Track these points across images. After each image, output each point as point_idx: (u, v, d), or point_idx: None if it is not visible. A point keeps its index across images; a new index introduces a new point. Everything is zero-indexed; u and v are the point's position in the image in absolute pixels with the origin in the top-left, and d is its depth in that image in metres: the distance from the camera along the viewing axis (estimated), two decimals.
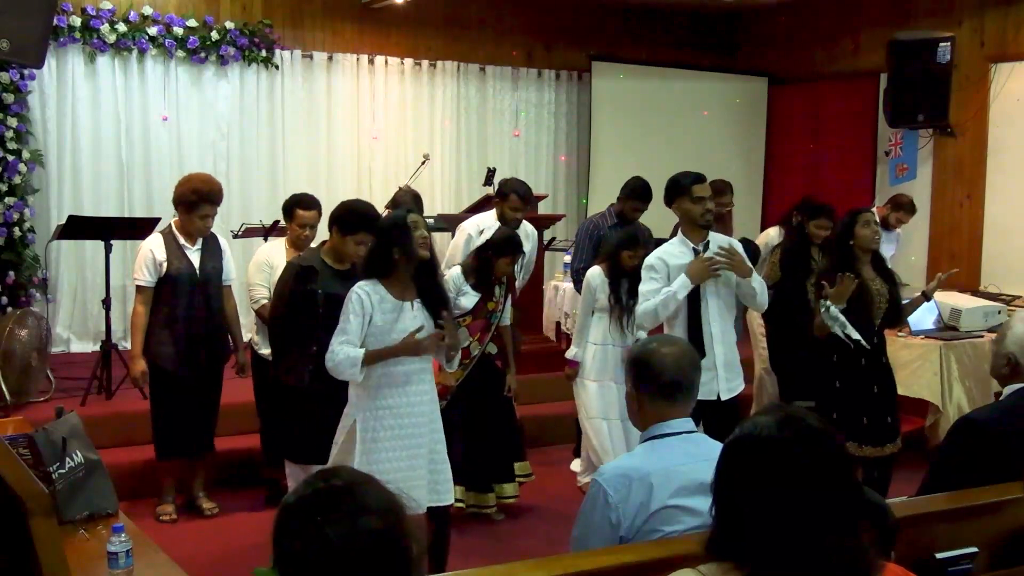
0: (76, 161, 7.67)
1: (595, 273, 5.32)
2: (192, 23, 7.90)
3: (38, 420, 3.80)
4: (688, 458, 2.45)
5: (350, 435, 3.71)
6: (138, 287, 4.96)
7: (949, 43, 7.72)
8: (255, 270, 5.16)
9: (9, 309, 6.71)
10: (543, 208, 8.06)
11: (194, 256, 4.97)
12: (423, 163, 7.79)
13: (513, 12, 9.36)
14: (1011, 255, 7.82)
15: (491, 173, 7.12)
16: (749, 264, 4.65)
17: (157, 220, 5.86)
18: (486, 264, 4.97)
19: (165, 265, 4.90)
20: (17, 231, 6.99)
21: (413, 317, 3.71)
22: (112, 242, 6.10)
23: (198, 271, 4.97)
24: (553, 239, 8.17)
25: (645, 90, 9.71)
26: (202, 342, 5.00)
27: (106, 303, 6.14)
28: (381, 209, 5.49)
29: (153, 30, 7.76)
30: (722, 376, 4.48)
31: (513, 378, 5.24)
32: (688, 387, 2.56)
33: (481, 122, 9.36)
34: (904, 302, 4.90)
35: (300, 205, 5.08)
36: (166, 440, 5.04)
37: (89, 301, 7.65)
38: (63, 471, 2.99)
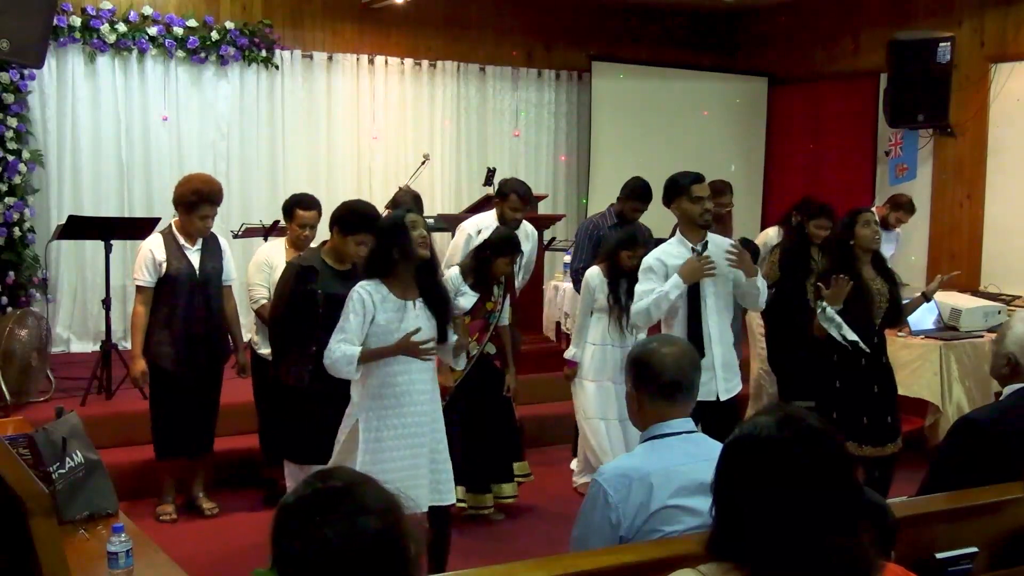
0: (76, 161, 7.67)
1: (594, 273, 5.32)
2: (192, 23, 7.90)
3: (38, 420, 3.80)
4: (688, 458, 2.45)
5: (352, 434, 3.72)
6: (138, 287, 4.96)
7: (949, 43, 7.71)
8: (255, 270, 5.16)
9: (9, 309, 6.71)
10: (543, 208, 8.06)
11: (194, 256, 4.97)
12: (423, 163, 7.79)
13: (513, 12, 9.36)
14: (1011, 255, 7.81)
15: (491, 173, 7.12)
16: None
17: (157, 220, 5.86)
18: (484, 264, 4.96)
19: (165, 265, 4.90)
20: (17, 231, 6.99)
21: (416, 316, 3.71)
22: (112, 242, 6.10)
23: (198, 271, 4.96)
24: (553, 239, 8.17)
25: (645, 90, 9.71)
26: (202, 342, 4.99)
27: (106, 303, 6.14)
28: (381, 209, 5.48)
29: (153, 30, 7.76)
30: (720, 376, 4.48)
31: (512, 378, 5.23)
32: (688, 387, 2.56)
33: (481, 122, 9.36)
34: (904, 302, 4.90)
35: (300, 205, 5.09)
36: (165, 440, 5.04)
37: (89, 301, 7.65)
38: (63, 471, 2.99)
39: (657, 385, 2.52)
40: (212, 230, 5.06)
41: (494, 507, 5.19)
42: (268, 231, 6.40)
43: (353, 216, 4.20)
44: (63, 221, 6.28)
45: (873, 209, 6.06)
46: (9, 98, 7.04)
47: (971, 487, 2.87)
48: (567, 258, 7.08)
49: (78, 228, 6.17)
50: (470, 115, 9.30)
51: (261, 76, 8.30)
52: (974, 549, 2.64)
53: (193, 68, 8.02)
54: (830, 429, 1.65)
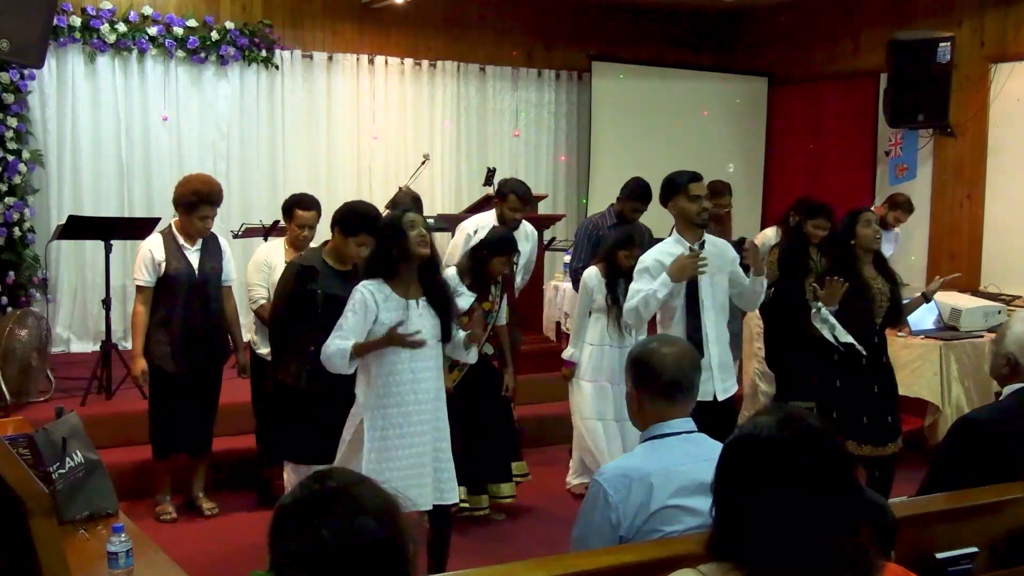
0: (76, 161, 7.67)
1: (592, 274, 5.32)
2: (192, 23, 7.90)
3: (38, 420, 3.81)
4: (688, 458, 2.45)
5: (357, 434, 3.72)
6: (138, 287, 4.96)
7: (949, 43, 7.71)
8: (254, 270, 5.16)
9: (9, 309, 6.71)
10: (543, 208, 8.06)
11: (193, 257, 4.97)
12: (423, 163, 7.79)
13: (513, 12, 9.36)
14: (1011, 255, 7.81)
15: (491, 173, 7.12)
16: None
17: (157, 220, 5.87)
18: (481, 264, 4.94)
19: (164, 265, 4.90)
20: (17, 231, 6.99)
21: (419, 315, 3.71)
22: (112, 242, 6.11)
23: (196, 272, 4.96)
24: (553, 239, 8.17)
25: (645, 90, 9.70)
26: (200, 342, 4.99)
27: (106, 303, 6.14)
28: (381, 209, 5.48)
29: (153, 30, 7.76)
30: (717, 377, 4.47)
31: (511, 377, 5.23)
32: (688, 387, 2.55)
33: (481, 122, 9.36)
34: (904, 302, 4.90)
35: (299, 205, 5.09)
36: (163, 439, 5.04)
37: (89, 301, 7.65)
38: (63, 471, 2.99)
39: (657, 385, 2.52)
40: (212, 230, 5.06)
41: (493, 507, 5.19)
42: (268, 231, 6.39)
43: (354, 217, 4.21)
44: (63, 221, 6.28)
45: (873, 209, 6.06)
46: (9, 98, 7.04)
47: (971, 487, 2.87)
48: (567, 258, 7.08)
49: (78, 228, 6.17)
50: (470, 115, 9.30)
51: (261, 76, 8.30)
52: (974, 549, 2.64)
53: (193, 68, 8.02)
54: (830, 429, 1.65)
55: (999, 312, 6.61)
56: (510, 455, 5.24)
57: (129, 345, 5.95)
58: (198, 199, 4.87)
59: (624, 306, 4.62)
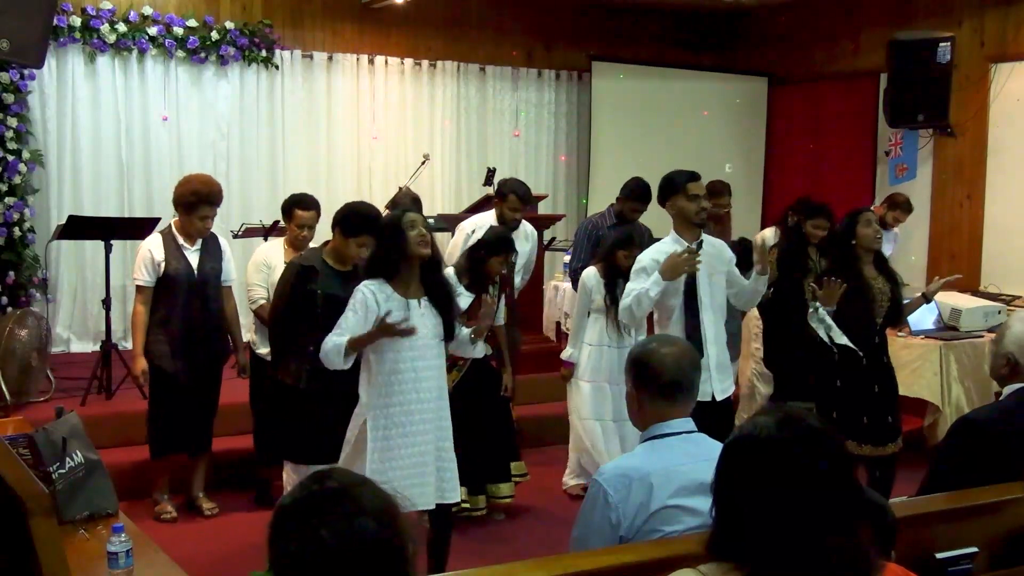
0: (76, 161, 7.67)
1: (590, 274, 5.31)
2: (192, 23, 7.90)
3: (38, 420, 3.81)
4: (688, 458, 2.45)
5: (361, 435, 3.72)
6: (138, 287, 4.96)
7: (949, 43, 7.71)
8: (253, 270, 5.17)
9: (9, 309, 6.71)
10: (543, 208, 8.05)
11: (192, 257, 4.97)
12: (423, 163, 7.79)
13: (513, 12, 9.36)
14: (1011, 255, 7.81)
15: (491, 173, 7.12)
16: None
17: (157, 220, 5.87)
18: (479, 264, 4.92)
19: (163, 265, 4.90)
20: (17, 231, 6.99)
21: (421, 315, 3.71)
22: (112, 242, 6.11)
23: (196, 272, 4.96)
24: (553, 239, 8.17)
25: (645, 90, 9.70)
26: (200, 342, 4.99)
27: (106, 303, 6.14)
28: (381, 210, 5.48)
29: (153, 30, 7.76)
30: (715, 377, 4.46)
31: (510, 377, 5.23)
32: (688, 387, 2.56)
33: (481, 122, 9.36)
34: (904, 302, 4.90)
35: (299, 205, 5.09)
36: (161, 439, 5.03)
37: (89, 301, 7.65)
38: (63, 471, 3.00)
39: (657, 385, 2.53)
40: (212, 230, 5.06)
41: (493, 507, 5.18)
42: (268, 231, 6.39)
43: (355, 218, 4.21)
44: (63, 221, 6.28)
45: (872, 209, 6.06)
46: (9, 98, 7.05)
47: (971, 487, 2.87)
48: (567, 258, 7.08)
49: (78, 228, 6.17)
50: (470, 115, 9.30)
51: (261, 76, 8.30)
52: (974, 549, 2.64)
53: (193, 68, 8.02)
54: (830, 429, 1.65)
55: (999, 312, 6.61)
56: (509, 455, 5.24)
57: (129, 345, 5.95)
58: (198, 199, 4.87)
59: (620, 305, 4.61)
